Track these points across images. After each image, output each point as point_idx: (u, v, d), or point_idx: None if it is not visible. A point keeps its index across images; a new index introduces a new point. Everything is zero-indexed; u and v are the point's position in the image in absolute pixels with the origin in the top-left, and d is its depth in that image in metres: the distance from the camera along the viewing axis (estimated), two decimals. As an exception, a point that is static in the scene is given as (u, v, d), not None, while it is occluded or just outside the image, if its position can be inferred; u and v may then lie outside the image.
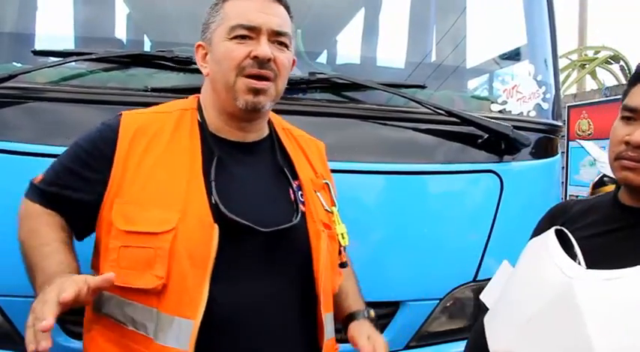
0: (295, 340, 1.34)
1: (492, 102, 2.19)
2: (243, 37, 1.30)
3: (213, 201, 1.26)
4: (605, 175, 2.58)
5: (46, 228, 1.31)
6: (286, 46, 1.36)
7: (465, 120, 1.97)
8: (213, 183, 1.28)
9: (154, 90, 1.80)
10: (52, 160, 1.65)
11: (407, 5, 2.78)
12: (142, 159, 1.30)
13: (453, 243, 1.95)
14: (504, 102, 2.17)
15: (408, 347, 1.94)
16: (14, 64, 1.96)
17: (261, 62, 1.29)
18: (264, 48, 1.29)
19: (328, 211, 1.44)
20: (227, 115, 1.37)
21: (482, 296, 1.52)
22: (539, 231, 1.49)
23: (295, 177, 1.42)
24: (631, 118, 1.28)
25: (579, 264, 1.25)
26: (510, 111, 2.17)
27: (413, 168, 1.94)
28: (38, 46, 1.99)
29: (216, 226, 1.24)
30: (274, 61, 1.31)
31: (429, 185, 1.99)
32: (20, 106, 1.78)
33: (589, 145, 5.06)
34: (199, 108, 1.40)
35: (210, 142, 1.35)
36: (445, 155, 2.01)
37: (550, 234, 1.34)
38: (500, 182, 2.04)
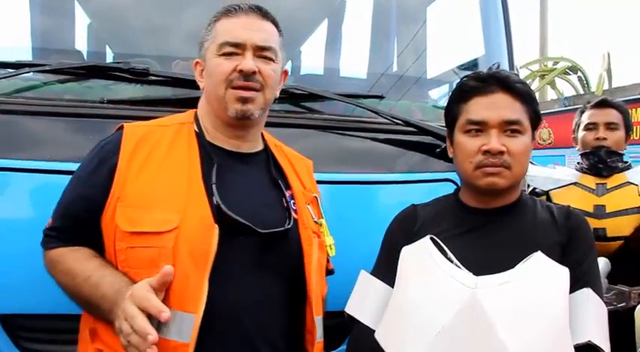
0: (283, 339, 1.41)
1: (450, 112, 2.22)
2: (230, 53, 1.40)
3: (215, 202, 1.33)
4: (535, 188, 2.72)
5: (77, 264, 1.34)
6: (272, 59, 1.44)
7: (423, 130, 2.00)
8: (214, 186, 1.35)
9: (110, 102, 1.78)
10: (4, 173, 1.62)
11: (369, 17, 2.82)
12: (142, 166, 1.37)
13: (412, 251, 1.96)
14: (462, 112, 2.20)
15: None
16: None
17: (246, 75, 1.38)
18: (248, 62, 1.38)
19: (317, 223, 1.53)
20: (222, 124, 1.46)
21: (350, 309, 1.54)
22: (392, 237, 1.58)
23: (288, 187, 1.51)
24: (479, 130, 1.43)
25: (459, 268, 1.36)
26: (468, 121, 2.20)
27: (371, 177, 1.96)
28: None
29: (216, 226, 1.30)
30: (260, 73, 1.40)
31: (387, 194, 2.00)
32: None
33: None
34: (196, 121, 1.48)
35: (209, 150, 1.42)
36: (403, 164, 2.04)
37: (428, 244, 1.43)
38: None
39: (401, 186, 2.00)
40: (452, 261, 1.37)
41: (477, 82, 1.47)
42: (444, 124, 2.09)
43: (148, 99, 1.83)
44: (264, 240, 1.37)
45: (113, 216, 1.33)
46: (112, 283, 1.28)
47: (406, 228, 1.55)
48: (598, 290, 1.37)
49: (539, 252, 1.33)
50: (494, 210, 1.47)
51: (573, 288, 1.33)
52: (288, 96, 1.95)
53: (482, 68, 2.53)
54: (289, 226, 1.41)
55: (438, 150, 2.05)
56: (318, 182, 1.86)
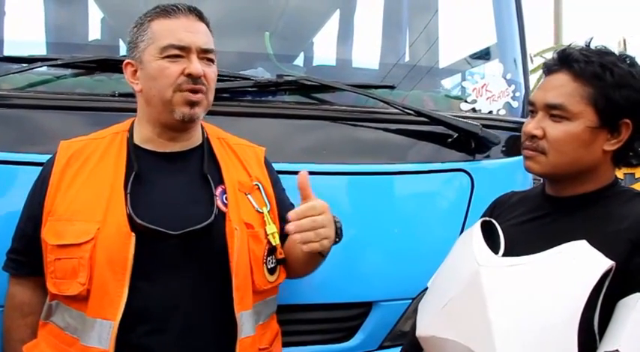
0: (210, 336, 1.43)
1: (462, 102, 2.20)
2: (175, 56, 1.42)
3: (127, 212, 1.38)
4: None
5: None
6: (213, 60, 1.48)
7: (434, 120, 1.98)
8: (128, 195, 1.40)
9: (121, 95, 1.79)
10: (16, 167, 1.64)
11: (380, 7, 2.79)
12: (72, 181, 1.44)
13: (425, 242, 1.95)
14: (474, 101, 2.18)
15: (382, 347, 1.94)
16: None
17: (195, 78, 1.41)
18: (196, 66, 1.41)
19: (259, 212, 1.52)
20: (161, 127, 1.48)
21: (429, 282, 1.56)
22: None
23: (221, 181, 1.50)
24: (533, 112, 1.36)
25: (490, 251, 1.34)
26: (480, 110, 2.17)
27: (383, 168, 1.95)
28: (6, 52, 1.97)
29: (133, 234, 1.36)
30: (204, 76, 1.43)
31: (400, 185, 1.99)
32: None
33: None
34: (131, 128, 1.52)
35: (133, 158, 1.46)
36: (416, 155, 2.02)
37: (475, 226, 1.43)
38: (471, 180, 2.04)
39: (413, 176, 1.98)
40: (499, 246, 1.34)
41: (553, 59, 1.36)
42: (456, 114, 2.10)
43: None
44: (182, 240, 1.40)
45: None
46: None
47: (490, 212, 1.53)
48: None
49: (583, 241, 1.22)
50: (566, 199, 1.37)
51: (629, 292, 1.19)
52: (299, 87, 1.95)
53: (494, 57, 2.51)
54: (207, 223, 1.41)
55: (450, 140, 2.04)
56: (330, 173, 1.86)
